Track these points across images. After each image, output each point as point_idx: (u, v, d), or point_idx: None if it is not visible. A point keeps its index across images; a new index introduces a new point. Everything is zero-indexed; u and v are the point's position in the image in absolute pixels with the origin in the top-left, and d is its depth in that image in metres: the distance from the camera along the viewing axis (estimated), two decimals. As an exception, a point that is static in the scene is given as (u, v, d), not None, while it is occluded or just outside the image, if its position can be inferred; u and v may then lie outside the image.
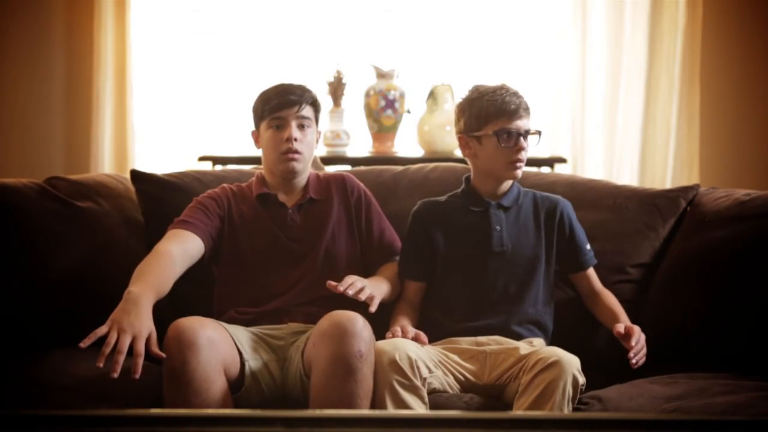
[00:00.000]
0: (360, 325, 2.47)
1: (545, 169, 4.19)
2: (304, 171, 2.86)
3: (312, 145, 2.86)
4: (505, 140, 2.70)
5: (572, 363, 2.46)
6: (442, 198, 2.88)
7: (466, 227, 2.79)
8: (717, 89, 4.52)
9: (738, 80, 4.54)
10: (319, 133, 2.92)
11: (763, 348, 2.69)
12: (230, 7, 4.51)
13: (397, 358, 2.47)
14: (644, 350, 2.58)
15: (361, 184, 2.94)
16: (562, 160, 4.31)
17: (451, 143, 4.18)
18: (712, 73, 4.50)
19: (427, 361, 2.54)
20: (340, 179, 2.92)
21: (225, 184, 2.91)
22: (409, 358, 2.48)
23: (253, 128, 2.89)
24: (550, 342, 2.72)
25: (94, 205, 2.93)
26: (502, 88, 2.76)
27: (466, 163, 2.89)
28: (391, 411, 2.38)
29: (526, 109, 2.75)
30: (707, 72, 4.48)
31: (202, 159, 4.24)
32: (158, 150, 4.53)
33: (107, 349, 2.29)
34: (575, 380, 2.45)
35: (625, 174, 4.48)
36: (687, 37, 4.42)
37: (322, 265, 2.79)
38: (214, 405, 2.40)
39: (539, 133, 2.77)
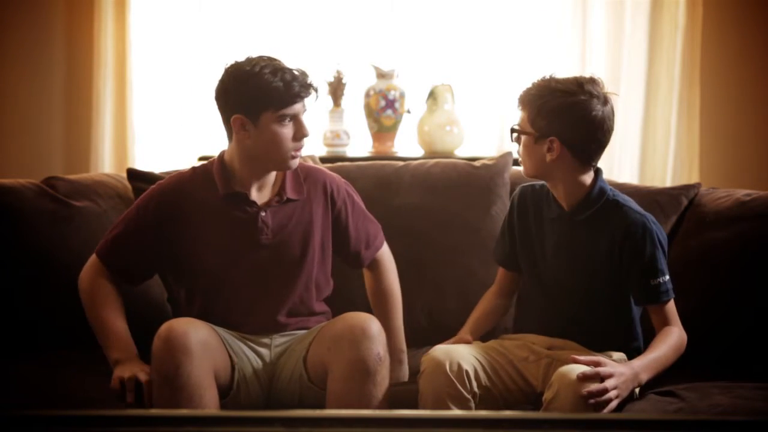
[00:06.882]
0: (377, 328, 2.45)
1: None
2: None
3: None
4: None
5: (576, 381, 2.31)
6: (539, 187, 2.66)
7: (543, 233, 2.61)
8: (717, 89, 4.51)
9: (738, 80, 4.53)
10: None
11: (762, 348, 2.69)
12: (230, 7, 4.51)
13: (447, 367, 2.41)
14: (608, 396, 2.32)
15: (342, 185, 2.73)
16: (562, 160, 4.31)
17: (451, 143, 4.17)
18: (712, 73, 4.50)
19: (486, 367, 2.48)
20: (321, 182, 2.68)
21: (177, 176, 2.70)
22: (460, 368, 2.41)
23: (237, 114, 2.61)
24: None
25: (92, 204, 2.93)
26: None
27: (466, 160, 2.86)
28: (391, 411, 2.38)
29: None
30: (707, 72, 4.47)
31: (202, 159, 4.23)
32: (158, 150, 4.53)
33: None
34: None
35: (625, 174, 4.47)
36: (687, 37, 4.42)
37: (294, 274, 2.62)
38: None
39: None
